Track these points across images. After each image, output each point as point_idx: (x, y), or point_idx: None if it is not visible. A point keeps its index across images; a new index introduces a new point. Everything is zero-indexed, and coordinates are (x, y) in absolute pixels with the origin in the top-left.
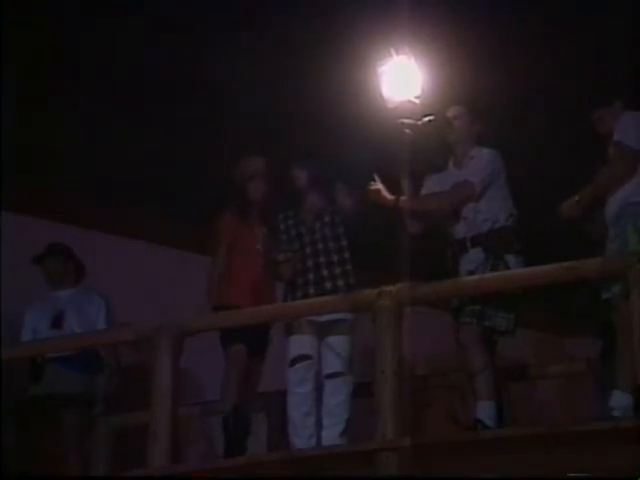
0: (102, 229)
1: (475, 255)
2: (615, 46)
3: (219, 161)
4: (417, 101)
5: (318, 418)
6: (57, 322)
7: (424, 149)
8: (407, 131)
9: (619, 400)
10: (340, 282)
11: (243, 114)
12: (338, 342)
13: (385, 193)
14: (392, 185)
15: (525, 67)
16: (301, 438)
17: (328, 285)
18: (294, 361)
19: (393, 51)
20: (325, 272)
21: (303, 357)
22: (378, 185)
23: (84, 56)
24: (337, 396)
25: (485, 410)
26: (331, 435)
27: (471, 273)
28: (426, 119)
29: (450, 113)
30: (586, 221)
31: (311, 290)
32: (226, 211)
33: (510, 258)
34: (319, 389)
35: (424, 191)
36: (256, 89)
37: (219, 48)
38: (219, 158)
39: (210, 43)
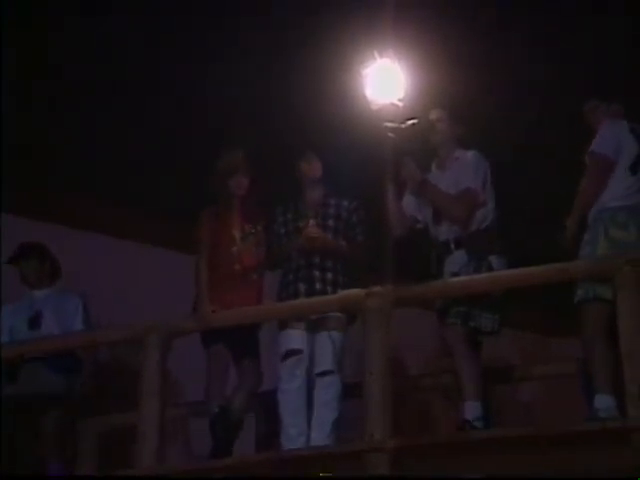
0: (94, 229)
1: (459, 257)
2: (601, 46)
3: (207, 161)
4: (400, 104)
5: (308, 417)
6: (35, 323)
7: (408, 151)
8: (390, 135)
9: (603, 401)
10: (329, 288)
11: (233, 115)
12: (328, 339)
13: (416, 169)
14: (376, 187)
15: (508, 69)
16: (290, 437)
17: (318, 286)
18: (284, 357)
19: (377, 54)
20: (317, 273)
21: (292, 352)
22: (411, 162)
23: (84, 56)
24: (325, 395)
25: (472, 411)
26: (319, 434)
27: (455, 275)
28: (410, 122)
29: (433, 115)
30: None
31: (301, 286)
32: (204, 213)
33: (493, 259)
34: (310, 388)
35: (407, 194)
36: (245, 90)
37: (205, 49)
38: (207, 158)
39: (197, 43)
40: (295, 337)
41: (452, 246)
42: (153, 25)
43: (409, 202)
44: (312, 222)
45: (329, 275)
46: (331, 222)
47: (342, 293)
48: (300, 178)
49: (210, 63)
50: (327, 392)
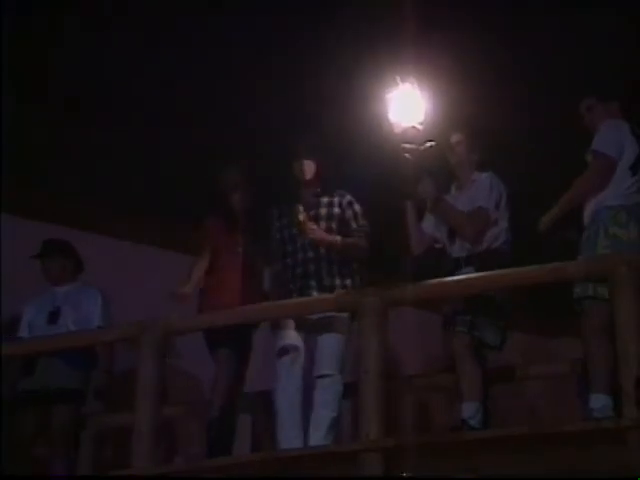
0: (93, 229)
1: (467, 273)
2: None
3: (205, 162)
4: (420, 127)
5: (307, 417)
6: (53, 318)
7: (425, 172)
8: (407, 156)
9: (598, 401)
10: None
11: (245, 128)
12: (328, 341)
13: (431, 188)
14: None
15: (523, 93)
16: (286, 435)
17: (314, 294)
18: (279, 354)
19: (399, 80)
20: (313, 282)
21: (289, 347)
22: (427, 181)
23: (84, 58)
24: (325, 395)
25: (470, 410)
26: (316, 434)
27: None
28: (428, 144)
29: (452, 139)
30: (571, 229)
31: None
32: (209, 218)
33: None
34: (308, 388)
35: (427, 214)
36: (269, 107)
37: (233, 70)
38: (205, 159)
39: (225, 65)
40: (289, 335)
41: (462, 263)
42: (155, 27)
43: (428, 222)
44: (301, 209)
45: (326, 282)
46: (323, 223)
47: (338, 292)
48: (296, 180)
49: (225, 80)
50: (327, 393)
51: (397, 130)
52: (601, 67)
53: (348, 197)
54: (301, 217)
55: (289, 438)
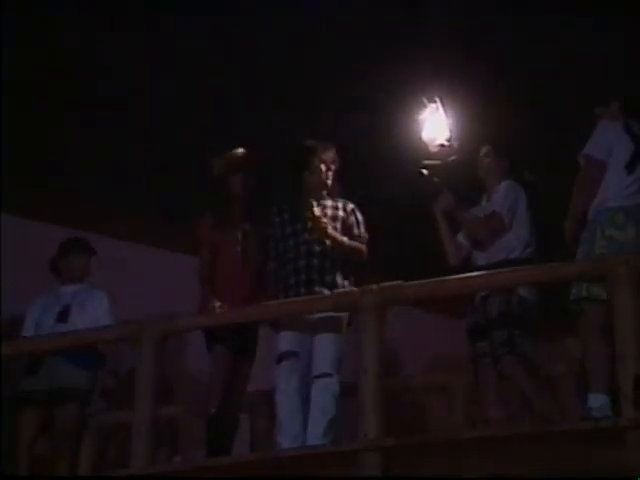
0: (93, 230)
1: None
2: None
3: (205, 162)
4: (448, 143)
5: (305, 417)
6: (62, 317)
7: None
8: (423, 171)
9: (596, 401)
10: (326, 291)
11: (246, 128)
12: (327, 341)
13: (450, 199)
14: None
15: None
16: (286, 437)
17: (317, 289)
18: (280, 358)
19: (425, 100)
20: (315, 275)
21: (288, 354)
22: (448, 193)
23: (84, 59)
24: (322, 395)
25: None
26: (315, 434)
27: (484, 298)
28: (450, 159)
29: (481, 152)
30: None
31: (302, 290)
32: (204, 218)
33: (522, 289)
34: (308, 388)
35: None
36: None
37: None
38: (205, 159)
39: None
40: (290, 339)
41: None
42: (155, 26)
43: (462, 233)
44: (315, 203)
45: (328, 277)
46: (329, 223)
47: (337, 291)
48: (302, 180)
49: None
50: (324, 393)
51: (432, 148)
52: (602, 70)
53: (351, 205)
54: (317, 211)
55: (288, 438)
